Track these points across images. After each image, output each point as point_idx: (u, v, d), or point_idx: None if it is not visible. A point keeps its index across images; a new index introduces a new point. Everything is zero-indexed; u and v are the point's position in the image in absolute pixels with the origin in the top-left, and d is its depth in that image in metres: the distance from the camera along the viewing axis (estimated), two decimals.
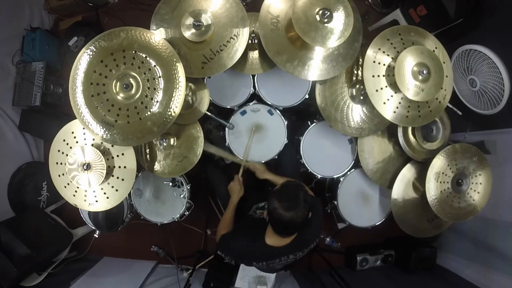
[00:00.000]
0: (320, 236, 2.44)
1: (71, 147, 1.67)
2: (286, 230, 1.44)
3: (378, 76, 1.66)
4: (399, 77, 1.59)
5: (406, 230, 2.00)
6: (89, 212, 2.02)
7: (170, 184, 2.05)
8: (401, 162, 2.01)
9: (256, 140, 2.01)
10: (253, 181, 1.98)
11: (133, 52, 1.49)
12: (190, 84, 1.81)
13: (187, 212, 2.12)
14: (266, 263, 1.57)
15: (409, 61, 1.60)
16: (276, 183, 1.81)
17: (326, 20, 1.53)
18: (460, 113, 1.88)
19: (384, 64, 1.67)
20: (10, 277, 1.94)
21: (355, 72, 1.85)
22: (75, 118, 1.54)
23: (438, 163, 1.84)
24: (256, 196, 1.91)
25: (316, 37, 1.53)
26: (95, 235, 2.15)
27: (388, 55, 1.66)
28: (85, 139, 1.67)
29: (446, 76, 1.70)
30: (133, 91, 1.50)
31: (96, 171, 1.62)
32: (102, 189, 1.68)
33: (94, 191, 1.68)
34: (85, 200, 1.70)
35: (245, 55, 1.78)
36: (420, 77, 1.59)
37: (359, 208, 2.12)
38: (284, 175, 1.93)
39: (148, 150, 1.88)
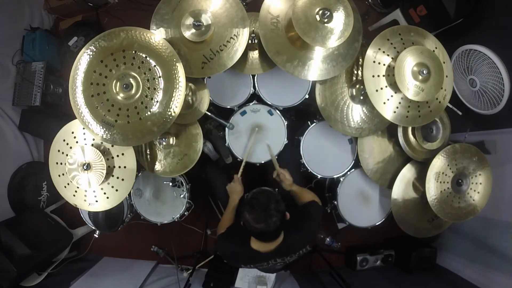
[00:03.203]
0: (314, 241, 2.43)
1: (71, 147, 1.67)
2: (262, 238, 1.45)
3: (378, 76, 1.66)
4: (399, 77, 1.59)
5: (406, 230, 2.00)
6: (89, 212, 2.02)
7: (170, 184, 2.05)
8: (401, 162, 2.01)
9: (256, 140, 2.00)
10: (254, 179, 1.97)
11: (133, 52, 1.49)
12: (190, 84, 1.80)
13: (187, 212, 2.12)
14: (254, 266, 1.59)
15: (409, 61, 1.60)
16: (298, 195, 1.76)
17: (326, 20, 1.53)
18: (460, 113, 1.88)
19: (384, 64, 1.67)
20: (10, 277, 1.94)
21: (355, 72, 1.85)
22: (75, 118, 1.54)
23: (438, 163, 1.84)
24: None
25: (316, 37, 1.53)
26: (95, 235, 2.14)
27: (388, 55, 1.66)
28: (85, 139, 1.68)
29: (446, 76, 1.70)
30: (133, 91, 1.50)
31: (96, 171, 1.62)
32: (102, 189, 1.68)
33: (94, 191, 1.68)
34: (85, 200, 1.70)
35: (245, 55, 1.78)
36: (420, 77, 1.59)
37: (359, 208, 2.12)
38: None
39: (148, 150, 1.88)
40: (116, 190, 1.69)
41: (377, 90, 1.66)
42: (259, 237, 1.45)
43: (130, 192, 1.78)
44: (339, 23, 1.54)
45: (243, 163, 1.94)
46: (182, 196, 2.07)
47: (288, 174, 1.84)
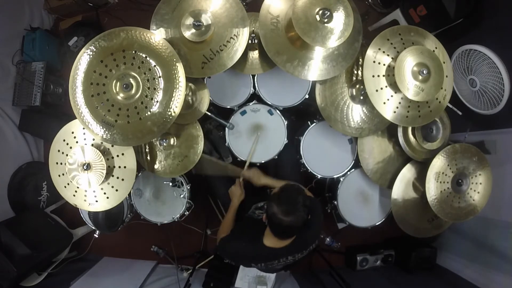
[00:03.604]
0: (320, 237, 2.43)
1: (71, 147, 1.67)
2: (285, 234, 1.44)
3: (378, 76, 1.66)
4: (399, 77, 1.59)
5: (406, 230, 2.00)
6: (89, 212, 2.02)
7: (170, 184, 2.05)
8: (401, 162, 2.01)
9: (257, 140, 2.01)
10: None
11: (133, 52, 1.49)
12: (190, 84, 1.80)
13: (187, 212, 2.12)
14: (264, 264, 1.57)
15: (409, 61, 1.60)
16: (274, 187, 1.75)
17: (326, 20, 1.53)
18: (460, 113, 1.89)
19: (384, 64, 1.67)
20: (10, 277, 1.94)
21: (355, 72, 1.85)
22: (75, 118, 1.54)
23: (438, 163, 1.84)
24: (256, 196, 1.91)
25: (316, 37, 1.53)
26: (95, 235, 2.14)
27: (388, 55, 1.66)
28: (85, 139, 1.67)
29: (446, 76, 1.70)
30: (133, 91, 1.50)
31: (96, 171, 1.61)
32: (102, 189, 1.68)
33: (94, 191, 1.68)
34: (85, 200, 1.70)
35: (245, 55, 1.78)
36: (420, 77, 1.59)
37: (359, 208, 2.12)
38: (284, 175, 1.93)
39: (148, 150, 1.87)
40: (116, 190, 1.68)
41: (377, 90, 1.66)
42: (282, 232, 1.42)
43: (130, 192, 1.78)
44: (339, 23, 1.54)
45: (245, 168, 1.92)
46: (182, 196, 2.07)
47: (250, 172, 1.85)
